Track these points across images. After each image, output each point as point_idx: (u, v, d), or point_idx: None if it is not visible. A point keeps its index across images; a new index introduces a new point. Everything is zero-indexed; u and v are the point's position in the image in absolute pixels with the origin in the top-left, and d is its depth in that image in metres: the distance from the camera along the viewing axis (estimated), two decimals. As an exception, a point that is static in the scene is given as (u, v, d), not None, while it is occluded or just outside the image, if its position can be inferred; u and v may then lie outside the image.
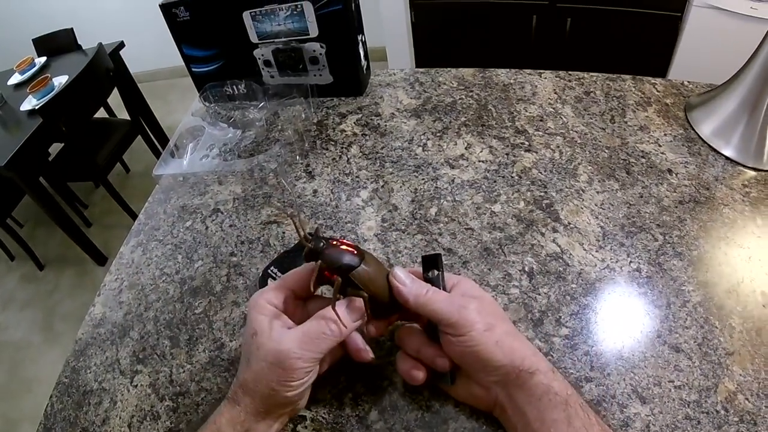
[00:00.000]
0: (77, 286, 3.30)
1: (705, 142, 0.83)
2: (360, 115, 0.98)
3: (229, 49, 1.03)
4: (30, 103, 2.94)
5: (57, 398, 0.74)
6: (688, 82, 0.96)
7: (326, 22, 0.92)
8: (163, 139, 3.70)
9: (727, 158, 0.80)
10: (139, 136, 3.33)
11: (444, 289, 0.53)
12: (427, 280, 0.54)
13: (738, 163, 0.79)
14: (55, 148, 3.11)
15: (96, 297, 0.84)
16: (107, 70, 2.93)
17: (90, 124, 3.17)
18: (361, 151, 0.90)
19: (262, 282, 0.65)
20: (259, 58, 1.01)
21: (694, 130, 0.85)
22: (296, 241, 0.77)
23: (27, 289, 3.45)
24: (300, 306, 0.56)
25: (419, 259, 0.60)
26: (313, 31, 0.94)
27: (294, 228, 0.55)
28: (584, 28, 2.49)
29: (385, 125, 0.94)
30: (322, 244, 0.52)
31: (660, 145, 0.82)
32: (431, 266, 0.55)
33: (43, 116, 2.60)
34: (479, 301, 0.51)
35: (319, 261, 0.51)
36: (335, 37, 0.94)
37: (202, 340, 0.72)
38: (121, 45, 3.24)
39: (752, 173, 0.78)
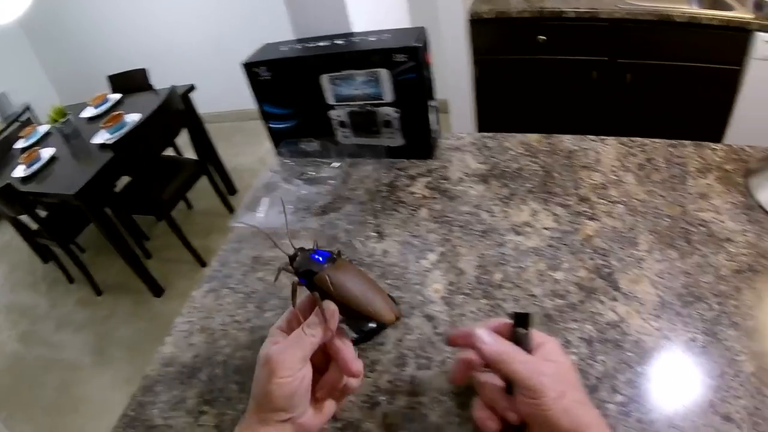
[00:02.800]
0: (132, 315, 3.37)
1: (763, 209, 0.83)
2: (429, 178, 1.02)
3: (305, 109, 1.08)
4: (102, 137, 3.05)
5: (121, 430, 0.78)
6: (749, 147, 0.97)
7: (401, 88, 0.97)
8: (227, 180, 3.80)
9: None
10: (204, 176, 3.42)
11: (530, 347, 0.55)
12: (514, 336, 0.56)
13: None
14: (122, 180, 3.22)
15: (167, 337, 0.89)
16: (178, 111, 3.04)
17: (158, 162, 3.29)
18: (430, 214, 0.94)
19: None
20: (335, 119, 1.06)
21: (753, 197, 0.85)
22: None
23: (83, 313, 3.54)
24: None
25: (479, 323, 0.62)
26: (388, 97, 0.98)
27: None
28: (644, 83, 2.50)
29: (454, 189, 0.98)
30: (295, 253, 0.59)
31: (719, 213, 0.83)
32: (521, 324, 0.56)
33: (115, 151, 2.71)
34: (557, 366, 0.54)
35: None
36: (409, 103, 0.99)
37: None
38: (192, 88, 3.35)
39: None
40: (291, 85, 1.06)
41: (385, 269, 0.86)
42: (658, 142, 0.98)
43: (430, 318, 0.77)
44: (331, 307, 0.57)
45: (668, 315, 0.70)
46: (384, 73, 0.95)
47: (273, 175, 1.08)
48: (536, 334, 0.57)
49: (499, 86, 2.80)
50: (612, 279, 0.76)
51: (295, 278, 0.59)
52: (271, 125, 1.14)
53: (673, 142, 0.98)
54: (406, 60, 0.92)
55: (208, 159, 3.56)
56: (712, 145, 0.97)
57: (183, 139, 3.30)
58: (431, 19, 2.46)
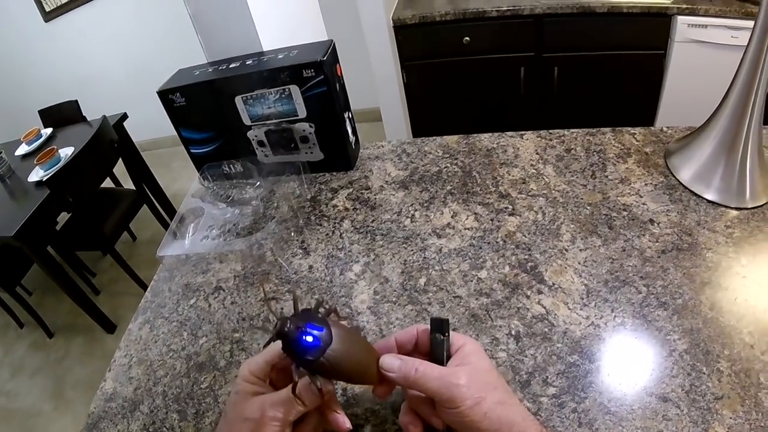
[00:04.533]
0: (87, 354, 3.31)
1: (686, 187, 0.85)
2: (351, 190, 1.02)
3: (224, 131, 1.08)
4: (37, 175, 2.99)
5: None
6: (667, 128, 0.99)
7: (313, 103, 0.97)
8: (168, 207, 3.75)
9: (709, 201, 0.83)
10: (145, 205, 3.37)
11: (448, 353, 0.56)
12: (433, 342, 0.57)
13: (720, 205, 0.81)
14: (63, 217, 3.15)
15: (107, 372, 0.88)
16: (112, 141, 2.99)
17: (96, 194, 3.22)
18: (352, 226, 0.94)
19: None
20: (253, 139, 1.06)
21: (674, 176, 0.87)
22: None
23: (37, 357, 3.46)
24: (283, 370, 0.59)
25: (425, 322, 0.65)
26: (302, 113, 0.99)
27: (293, 304, 0.55)
28: (572, 76, 2.55)
29: (375, 198, 0.98)
30: (287, 327, 0.50)
31: (641, 196, 0.85)
32: (438, 330, 0.57)
33: (50, 188, 2.65)
34: (473, 370, 0.54)
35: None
36: (323, 117, 0.99)
37: (209, 413, 0.75)
38: (125, 116, 3.30)
39: (735, 213, 0.80)
40: (207, 109, 1.05)
41: (312, 284, 0.86)
42: (577, 131, 1.00)
43: (358, 329, 0.77)
44: (328, 387, 0.54)
45: (595, 302, 0.71)
46: (295, 90, 0.95)
47: (196, 201, 1.07)
48: (455, 337, 0.57)
49: (429, 90, 2.82)
50: (536, 272, 0.77)
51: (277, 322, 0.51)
52: (192, 150, 1.13)
53: (591, 130, 1.00)
54: (313, 75, 0.92)
55: (148, 187, 3.51)
56: (631, 129, 0.99)
57: (120, 169, 3.26)
58: (354, 28, 2.48)
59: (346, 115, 1.01)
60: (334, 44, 0.97)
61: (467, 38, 2.54)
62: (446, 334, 0.56)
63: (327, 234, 0.94)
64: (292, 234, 0.97)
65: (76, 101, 3.63)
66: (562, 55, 2.50)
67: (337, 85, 0.97)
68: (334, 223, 0.96)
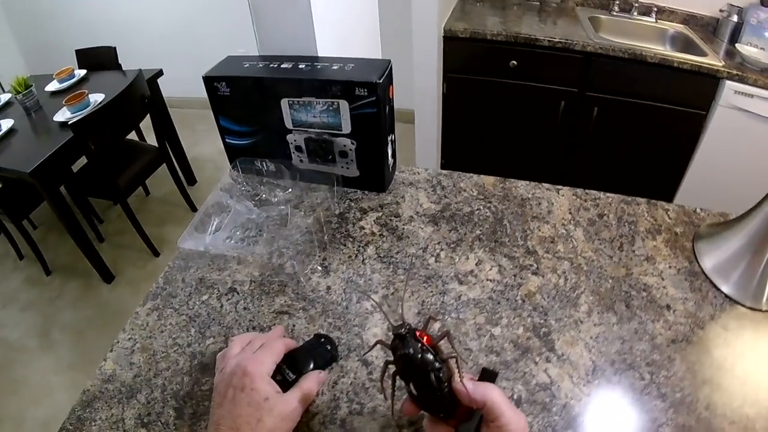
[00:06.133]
0: (81, 299, 3.33)
1: (707, 276, 0.84)
2: (380, 214, 1.02)
3: (263, 129, 1.07)
4: (63, 115, 3.00)
5: None
6: (701, 209, 0.98)
7: (360, 121, 0.96)
8: (186, 169, 3.77)
9: (726, 296, 0.82)
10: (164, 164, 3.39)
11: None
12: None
13: (736, 302, 0.81)
14: (80, 159, 3.17)
15: (108, 352, 0.88)
16: (143, 96, 3.00)
17: (118, 145, 3.23)
18: (377, 253, 0.94)
19: (275, 376, 0.68)
20: (292, 143, 1.05)
21: (698, 262, 0.87)
22: (307, 338, 0.80)
23: (30, 292, 3.48)
24: None
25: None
26: (346, 128, 0.98)
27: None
28: (610, 118, 2.55)
29: (403, 228, 0.98)
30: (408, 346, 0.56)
31: (663, 279, 0.84)
32: (487, 379, 0.58)
33: (74, 132, 2.66)
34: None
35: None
36: (366, 136, 0.98)
37: (205, 418, 0.74)
38: (160, 73, 3.31)
39: (748, 312, 0.80)
40: (250, 104, 1.05)
41: (327, 307, 0.86)
42: (612, 197, 0.99)
43: (366, 363, 0.77)
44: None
45: (599, 381, 0.71)
46: (343, 104, 0.95)
47: (224, 195, 1.07)
48: (507, 410, 0.56)
49: (466, 105, 2.81)
50: (548, 339, 0.77)
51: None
52: (227, 140, 1.12)
53: (626, 198, 0.99)
54: (366, 95, 0.92)
55: (170, 146, 3.51)
56: (666, 205, 0.99)
57: (146, 123, 3.26)
58: (404, 29, 2.48)
59: (389, 138, 1.00)
60: (391, 66, 0.96)
61: (514, 62, 2.54)
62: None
63: (350, 256, 0.94)
64: (316, 249, 0.96)
65: (114, 48, 3.64)
66: (605, 96, 2.50)
67: (387, 107, 0.96)
68: (359, 246, 0.96)
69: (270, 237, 0.99)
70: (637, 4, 2.68)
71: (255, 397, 0.61)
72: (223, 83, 1.04)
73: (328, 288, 0.89)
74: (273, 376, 0.66)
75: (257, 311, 0.88)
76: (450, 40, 2.60)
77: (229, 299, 0.91)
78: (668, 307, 0.80)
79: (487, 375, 0.59)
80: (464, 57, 2.65)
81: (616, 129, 2.58)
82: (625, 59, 2.34)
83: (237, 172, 1.10)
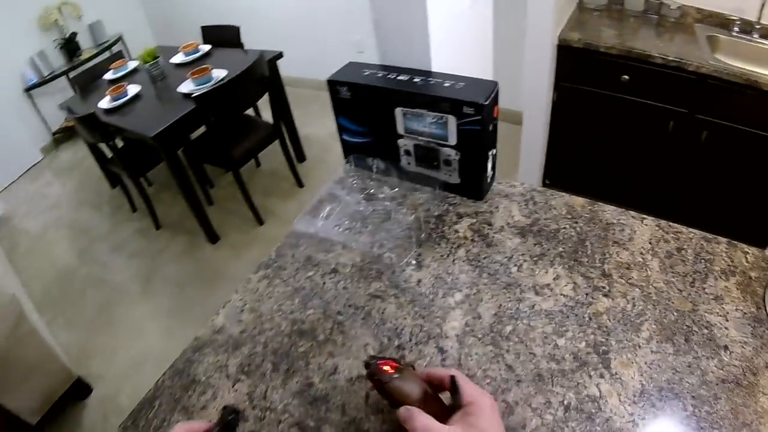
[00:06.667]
0: (185, 254, 3.53)
1: None
2: (474, 220, 1.11)
3: (377, 132, 1.19)
4: (187, 87, 3.20)
5: (168, 378, 0.94)
6: (781, 257, 0.99)
7: (465, 135, 1.06)
8: (297, 147, 3.92)
9: None
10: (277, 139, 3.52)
11: (460, 404, 0.67)
12: (452, 391, 0.69)
13: None
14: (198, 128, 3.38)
15: (220, 309, 1.03)
16: (263, 76, 3.15)
17: (236, 118, 3.41)
18: (466, 256, 1.03)
19: None
20: (402, 147, 1.17)
21: (766, 310, 0.87)
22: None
23: (139, 242, 3.75)
24: None
25: (483, 367, 0.81)
26: (452, 140, 1.08)
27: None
28: (718, 144, 2.47)
29: (494, 236, 1.06)
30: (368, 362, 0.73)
31: (727, 320, 0.86)
32: (455, 388, 0.68)
33: (197, 104, 2.85)
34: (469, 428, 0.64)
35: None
36: (469, 149, 1.07)
37: (297, 374, 0.88)
38: (280, 55, 3.44)
39: None
40: (367, 109, 1.17)
41: (415, 297, 0.97)
42: (694, 232, 1.02)
43: (441, 350, 0.88)
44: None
45: (644, 404, 0.76)
46: (451, 119, 1.04)
47: (337, 187, 1.19)
48: (472, 392, 0.68)
49: (574, 114, 2.81)
50: (606, 358, 0.83)
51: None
52: (344, 137, 1.25)
53: (708, 235, 1.02)
54: (472, 113, 1.01)
55: (284, 124, 3.65)
56: (746, 247, 0.99)
57: (263, 99, 3.41)
58: (519, 33, 2.51)
59: (490, 153, 1.09)
60: (498, 88, 1.04)
61: (626, 76, 2.52)
62: (457, 392, 0.68)
63: (442, 255, 1.04)
64: (413, 244, 1.07)
65: (238, 28, 3.81)
66: (716, 120, 2.43)
67: (491, 125, 1.05)
68: (452, 247, 1.06)
69: (373, 229, 1.11)
70: (758, 26, 2.58)
71: None
72: (345, 88, 1.16)
73: (419, 281, 1.00)
74: None
75: (354, 292, 1.00)
76: (563, 49, 2.61)
77: (331, 278, 1.04)
78: (726, 347, 0.81)
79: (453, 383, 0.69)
80: (577, 67, 2.66)
81: (723, 156, 2.50)
82: (740, 84, 2.26)
83: (350, 166, 1.23)
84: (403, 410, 0.66)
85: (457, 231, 1.09)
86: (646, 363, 0.81)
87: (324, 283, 1.04)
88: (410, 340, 0.90)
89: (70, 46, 5.45)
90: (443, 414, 0.67)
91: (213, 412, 0.86)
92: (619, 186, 2.90)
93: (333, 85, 1.18)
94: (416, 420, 0.64)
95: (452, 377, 0.69)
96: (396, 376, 0.70)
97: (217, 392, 0.89)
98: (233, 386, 0.89)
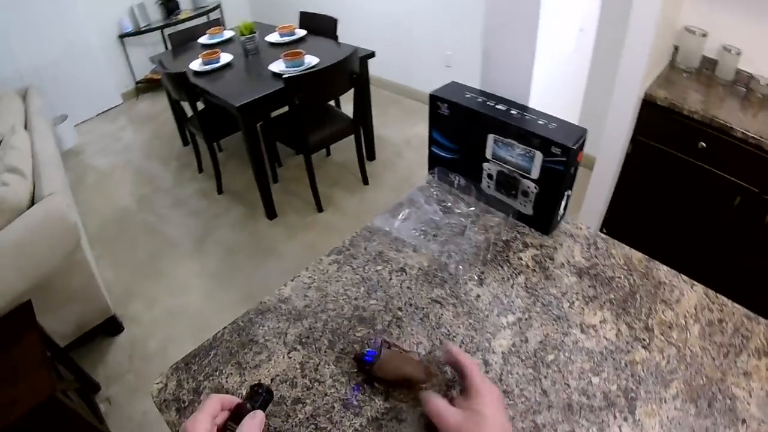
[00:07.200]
0: (240, 224, 3.65)
1: None
2: (538, 252, 1.18)
3: (466, 151, 1.27)
4: (278, 67, 3.31)
5: (228, 332, 1.03)
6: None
7: (547, 172, 1.12)
8: (370, 145, 4.02)
9: None
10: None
11: (468, 390, 0.79)
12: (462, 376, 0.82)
13: None
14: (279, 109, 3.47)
15: (289, 281, 1.12)
16: (352, 72, 3.23)
17: (319, 107, 3.53)
18: (525, 283, 1.10)
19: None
20: (485, 171, 1.24)
21: None
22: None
23: (199, 202, 3.89)
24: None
25: (520, 386, 0.89)
26: (534, 174, 1.15)
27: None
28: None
29: (553, 271, 1.13)
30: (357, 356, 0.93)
31: (751, 396, 0.89)
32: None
33: (286, 85, 2.95)
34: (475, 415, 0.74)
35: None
36: (548, 186, 1.14)
37: (350, 354, 0.96)
38: (372, 54, 3.52)
39: None
40: (461, 128, 1.25)
41: (472, 310, 1.05)
42: (738, 308, 1.05)
43: (486, 363, 0.95)
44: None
45: None
46: (538, 155, 1.12)
47: (419, 194, 1.28)
48: (480, 381, 0.79)
49: (644, 169, 2.81)
50: (632, 404, 0.87)
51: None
52: (433, 149, 1.34)
53: (750, 314, 1.05)
54: (559, 154, 1.08)
55: (362, 120, 3.73)
56: None
57: (346, 93, 3.50)
58: (609, 83, 2.54)
59: (566, 193, 1.16)
60: (585, 135, 1.10)
61: (703, 144, 2.51)
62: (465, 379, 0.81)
63: (503, 278, 1.12)
64: (479, 261, 1.15)
65: (336, 20, 3.91)
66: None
67: (573, 168, 1.11)
68: (513, 272, 1.13)
69: (445, 239, 1.19)
70: None
71: None
72: (445, 105, 1.25)
73: (478, 296, 1.08)
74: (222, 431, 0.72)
75: (417, 293, 1.09)
76: (647, 104, 2.63)
77: (398, 276, 1.13)
78: (744, 421, 0.83)
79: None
80: (657, 124, 2.67)
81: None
82: (814, 177, 2.27)
83: (433, 177, 1.32)
84: (422, 394, 0.80)
85: (521, 258, 1.16)
86: (668, 417, 0.85)
87: (390, 279, 1.12)
88: (460, 346, 0.98)
89: (169, 4, 5.68)
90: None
91: (264, 373, 0.95)
92: (673, 247, 2.90)
93: (434, 100, 1.26)
94: (430, 403, 0.78)
95: (465, 365, 0.80)
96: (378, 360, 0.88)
97: (272, 355, 0.98)
98: (288, 354, 0.98)
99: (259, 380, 0.93)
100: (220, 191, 3.95)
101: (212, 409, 0.71)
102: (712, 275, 2.73)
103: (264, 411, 0.75)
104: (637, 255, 1.17)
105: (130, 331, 2.94)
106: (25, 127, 3.31)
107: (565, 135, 1.09)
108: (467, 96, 1.25)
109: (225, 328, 1.04)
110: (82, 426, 2.07)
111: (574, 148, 1.07)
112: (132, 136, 5.04)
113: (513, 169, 1.19)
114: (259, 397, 0.77)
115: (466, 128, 1.24)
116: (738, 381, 0.91)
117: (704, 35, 2.69)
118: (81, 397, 2.38)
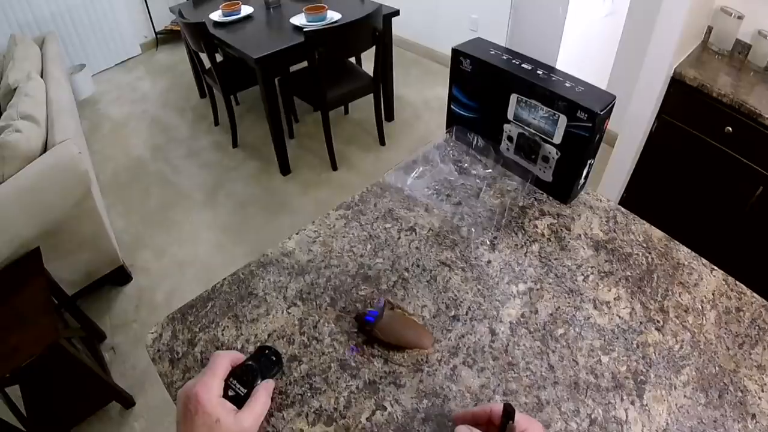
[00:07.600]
0: (253, 178, 3.62)
1: None
2: (555, 221, 1.13)
3: (486, 110, 1.22)
4: (299, 21, 3.25)
5: (228, 283, 1.00)
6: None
7: (570, 138, 1.07)
8: (389, 105, 3.96)
9: None
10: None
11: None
12: (503, 424, 0.67)
13: None
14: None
15: (294, 234, 1.08)
16: (375, 29, 3.17)
17: (338, 63, 3.46)
18: (539, 252, 1.06)
19: (228, 392, 0.71)
20: (506, 132, 1.19)
21: None
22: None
23: (213, 155, 3.86)
24: None
25: (526, 359, 0.84)
26: (557, 139, 1.09)
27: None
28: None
29: (569, 242, 1.08)
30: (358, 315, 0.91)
31: (763, 390, 0.85)
32: (507, 414, 0.67)
33: (306, 39, 2.89)
34: None
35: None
36: (571, 152, 1.09)
37: (351, 314, 0.93)
38: (396, 13, 3.44)
39: None
40: (483, 86, 1.19)
41: (482, 276, 1.00)
42: (757, 298, 1.01)
43: (492, 332, 0.91)
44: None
45: None
46: (562, 119, 1.06)
47: (435, 151, 1.23)
48: (522, 420, 0.69)
49: (667, 149, 2.76)
50: (641, 387, 0.84)
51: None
52: (453, 107, 1.28)
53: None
54: (585, 119, 1.02)
55: (383, 79, 3.67)
56: None
57: (368, 51, 3.44)
58: (640, 56, 2.47)
59: (588, 161, 1.11)
60: (614, 102, 1.05)
61: (729, 128, 2.45)
62: (511, 421, 0.68)
63: (517, 245, 1.07)
64: (492, 226, 1.10)
65: (360, -25, 3.81)
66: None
67: (598, 136, 1.06)
68: (527, 240, 1.09)
69: (458, 201, 1.15)
70: None
71: (207, 420, 0.65)
72: (468, 60, 1.19)
73: (489, 262, 1.03)
74: (225, 392, 0.70)
75: (425, 254, 1.04)
76: (676, 83, 2.56)
77: (407, 235, 1.08)
78: (754, 416, 0.81)
79: (507, 410, 0.68)
80: (684, 104, 2.60)
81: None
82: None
83: (451, 136, 1.26)
84: (462, 429, 0.68)
85: (536, 226, 1.12)
86: (676, 405, 0.82)
87: (399, 238, 1.08)
88: (466, 313, 0.94)
89: (193, -48, 5.57)
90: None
91: (262, 327, 0.92)
92: (690, 231, 2.84)
93: (456, 54, 1.20)
94: None
95: (507, 404, 0.69)
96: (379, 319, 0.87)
97: (270, 310, 0.95)
98: (288, 309, 0.95)
99: (272, 345, 0.89)
100: (235, 145, 3.92)
101: (223, 371, 0.71)
102: (728, 263, 2.69)
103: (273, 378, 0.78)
104: (657, 233, 1.12)
105: (138, 281, 2.94)
106: (41, 75, 3.28)
107: (592, 100, 1.03)
108: (491, 53, 1.19)
109: (225, 279, 1.01)
110: (86, 373, 2.07)
111: (601, 114, 1.01)
112: (149, 86, 5.00)
113: (535, 132, 1.13)
114: (274, 366, 0.80)
115: (489, 86, 1.18)
116: (751, 374, 0.87)
117: (740, 18, 2.60)
118: (86, 346, 2.38)
